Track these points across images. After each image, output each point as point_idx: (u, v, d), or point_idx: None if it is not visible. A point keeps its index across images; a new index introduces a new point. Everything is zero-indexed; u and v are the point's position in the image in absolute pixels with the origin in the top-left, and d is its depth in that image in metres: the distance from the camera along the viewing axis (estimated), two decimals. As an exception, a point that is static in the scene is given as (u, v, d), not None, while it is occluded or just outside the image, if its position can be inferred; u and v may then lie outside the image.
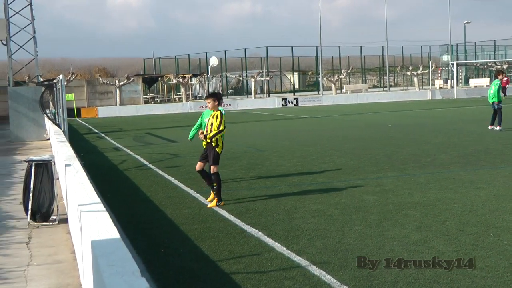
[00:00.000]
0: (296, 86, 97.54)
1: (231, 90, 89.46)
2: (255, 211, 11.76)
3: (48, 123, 28.51)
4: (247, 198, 13.05)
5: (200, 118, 13.81)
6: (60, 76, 23.59)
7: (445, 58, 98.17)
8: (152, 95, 79.43)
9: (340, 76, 79.36)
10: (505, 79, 58.19)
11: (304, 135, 27.64)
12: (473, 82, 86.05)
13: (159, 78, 78.57)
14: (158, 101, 75.83)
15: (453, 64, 73.70)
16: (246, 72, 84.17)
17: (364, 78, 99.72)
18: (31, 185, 11.34)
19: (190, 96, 72.03)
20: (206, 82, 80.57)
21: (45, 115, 30.19)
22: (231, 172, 16.74)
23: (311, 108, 57.63)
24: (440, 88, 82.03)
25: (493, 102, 26.50)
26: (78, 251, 8.06)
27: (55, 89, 27.55)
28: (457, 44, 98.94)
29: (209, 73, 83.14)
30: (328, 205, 11.98)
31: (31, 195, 11.27)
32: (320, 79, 77.89)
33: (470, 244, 8.88)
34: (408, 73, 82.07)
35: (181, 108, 59.63)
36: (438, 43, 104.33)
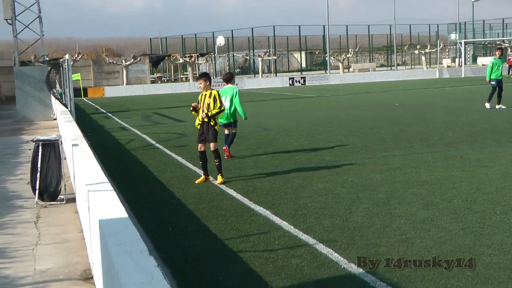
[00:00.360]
0: (303, 65, 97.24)
1: (238, 70, 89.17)
2: (262, 190, 11.77)
3: (54, 102, 28.53)
4: (254, 177, 13.07)
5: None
6: (66, 56, 23.58)
7: (453, 36, 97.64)
8: (159, 74, 79.34)
9: (347, 55, 79.09)
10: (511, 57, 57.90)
11: (311, 114, 27.61)
12: (481, 60, 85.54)
13: (166, 58, 78.43)
14: (165, 80, 75.78)
15: (461, 43, 73.36)
16: (253, 51, 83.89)
17: (371, 57, 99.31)
18: (39, 165, 11.37)
19: (197, 75, 71.95)
20: (213, 62, 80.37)
21: (51, 94, 30.20)
22: (238, 151, 16.74)
23: (318, 87, 57.49)
24: (448, 66, 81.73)
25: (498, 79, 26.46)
26: (86, 230, 8.10)
27: (61, 68, 27.55)
28: (465, 22, 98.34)
29: (216, 53, 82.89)
30: (335, 184, 11.98)
31: (38, 174, 11.31)
32: (327, 58, 77.60)
33: (477, 222, 8.88)
34: (416, 51, 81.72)
35: (188, 88, 59.57)
36: (446, 22, 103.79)
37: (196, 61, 70.57)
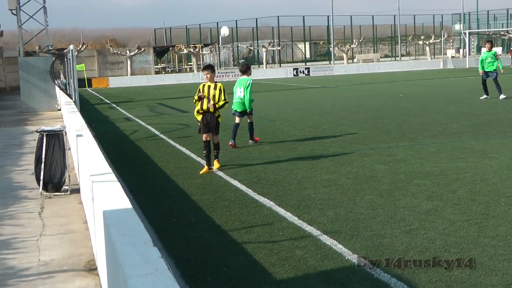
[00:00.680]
0: (308, 55, 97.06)
1: (242, 60, 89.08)
2: (266, 181, 11.78)
3: (59, 93, 28.54)
4: (258, 168, 13.07)
5: (234, 86, 16.22)
6: (71, 46, 23.57)
7: (457, 27, 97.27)
8: (163, 65, 79.29)
9: (351, 46, 78.94)
10: None
11: (315, 105, 27.59)
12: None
13: (170, 48, 78.37)
14: (169, 71, 75.72)
15: (465, 33, 73.14)
16: (258, 42, 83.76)
17: (375, 48, 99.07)
18: (43, 156, 11.38)
19: (201, 66, 71.82)
20: (217, 52, 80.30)
21: (56, 84, 30.21)
22: (242, 142, 16.74)
23: (322, 78, 57.43)
24: (452, 57, 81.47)
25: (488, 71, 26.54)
26: (90, 221, 8.11)
27: (65, 59, 27.54)
28: (469, 13, 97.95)
29: (220, 43, 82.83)
30: (339, 175, 11.98)
31: (42, 165, 11.32)
32: (331, 49, 77.45)
33: (481, 213, 8.88)
34: (420, 42, 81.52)
35: (192, 78, 59.53)
36: (451, 12, 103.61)
37: (200, 52, 70.53)
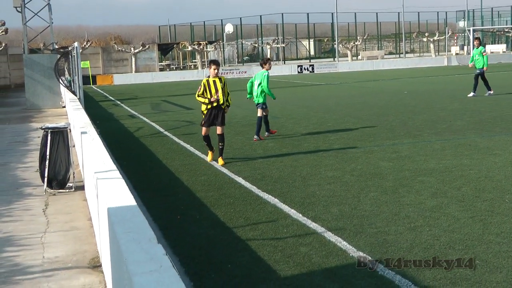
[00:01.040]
0: (312, 53, 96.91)
1: (246, 57, 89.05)
2: (271, 178, 11.78)
3: (63, 90, 28.56)
4: (263, 165, 13.07)
5: (252, 80, 17.00)
6: (76, 44, 23.59)
7: (461, 24, 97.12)
8: (167, 62, 79.26)
9: (356, 43, 78.89)
10: None
11: (319, 102, 27.57)
12: (489, 48, 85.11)
13: (175, 46, 78.36)
14: (174, 68, 75.69)
15: (469, 30, 72.94)
16: (262, 39, 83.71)
17: (380, 45, 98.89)
18: (47, 153, 11.38)
19: (206, 63, 71.84)
20: (222, 49, 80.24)
21: (60, 82, 30.23)
22: (247, 139, 16.76)
23: (326, 75, 57.38)
24: (456, 54, 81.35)
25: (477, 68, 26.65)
26: (94, 218, 8.12)
27: (70, 56, 27.57)
28: (473, 10, 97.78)
29: (225, 40, 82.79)
30: (343, 172, 11.98)
31: (47, 162, 11.33)
32: (336, 46, 77.38)
33: (485, 210, 8.86)
34: (424, 39, 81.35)
35: (197, 75, 59.48)
36: (455, 9, 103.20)
37: (205, 49, 70.49)
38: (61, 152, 11.52)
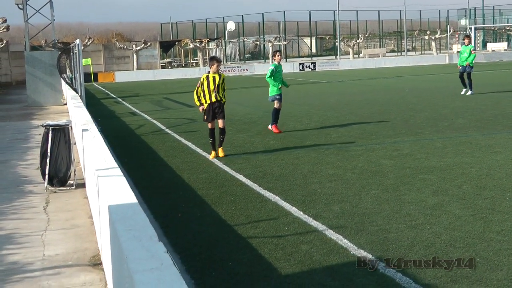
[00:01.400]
0: (314, 50, 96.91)
1: (248, 55, 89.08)
2: (272, 175, 11.78)
3: (65, 87, 28.55)
4: (264, 163, 13.07)
5: (272, 72, 17.26)
6: (77, 41, 23.58)
7: (463, 22, 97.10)
8: (169, 59, 79.28)
9: (357, 41, 78.87)
10: None
11: (321, 99, 27.56)
12: (490, 46, 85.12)
13: (176, 43, 78.35)
14: (175, 65, 75.70)
15: (471, 28, 72.96)
16: (264, 36, 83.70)
17: (381, 43, 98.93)
18: (48, 150, 11.38)
19: (207, 60, 71.88)
20: (223, 47, 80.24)
21: (62, 79, 30.24)
22: (248, 137, 16.75)
23: (328, 72, 57.36)
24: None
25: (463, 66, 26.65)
26: (95, 215, 8.11)
27: (72, 53, 27.56)
28: (475, 8, 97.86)
29: (226, 38, 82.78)
30: (345, 170, 11.97)
31: (48, 160, 11.32)
32: (337, 44, 77.35)
33: (486, 208, 8.86)
34: (426, 37, 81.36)
35: (198, 73, 59.44)
36: (456, 7, 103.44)
37: (207, 46, 70.48)
38: (62, 149, 11.52)
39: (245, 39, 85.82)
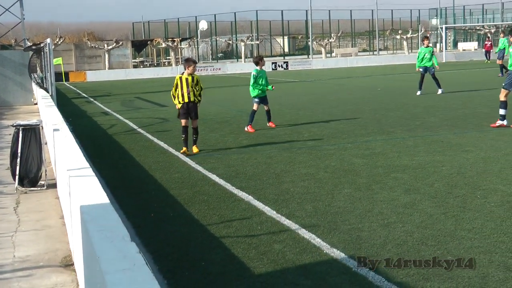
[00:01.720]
0: (286, 50, 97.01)
1: (221, 54, 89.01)
2: (245, 175, 11.77)
3: (35, 87, 28.31)
4: (236, 162, 13.06)
5: (252, 78, 17.67)
6: (48, 40, 23.38)
7: (434, 22, 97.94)
8: (141, 59, 78.92)
9: (330, 40, 79.04)
10: (488, 43, 58.51)
11: (293, 99, 27.60)
12: (461, 45, 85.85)
13: (148, 42, 78.05)
14: (148, 65, 75.40)
15: (442, 28, 73.55)
16: (236, 36, 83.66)
17: (353, 42, 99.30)
18: (19, 150, 11.28)
19: (180, 60, 71.66)
20: (196, 46, 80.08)
21: (32, 79, 29.97)
22: (220, 136, 16.74)
23: (301, 72, 57.47)
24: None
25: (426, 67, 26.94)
26: (67, 216, 8.05)
27: (42, 53, 27.33)
28: (446, 8, 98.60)
29: (199, 37, 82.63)
30: (317, 169, 12.00)
31: (18, 160, 11.22)
32: (310, 43, 77.54)
33: (457, 206, 8.93)
34: (398, 36, 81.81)
35: (171, 72, 59.21)
36: (428, 7, 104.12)
37: (179, 46, 70.29)
38: (33, 149, 11.42)
39: (217, 39, 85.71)
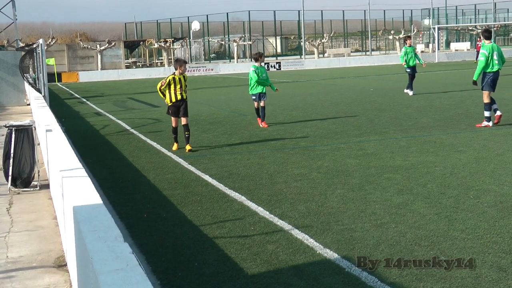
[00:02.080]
0: (279, 50, 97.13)
1: (213, 55, 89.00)
2: (238, 175, 11.77)
3: (28, 88, 28.25)
4: (229, 163, 13.06)
5: (254, 73, 18.33)
6: (40, 40, 23.34)
7: (426, 22, 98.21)
8: (133, 59, 78.83)
9: (322, 40, 79.15)
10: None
11: (286, 99, 27.60)
12: (454, 46, 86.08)
13: (141, 43, 77.96)
14: (140, 65, 75.32)
15: (434, 28, 73.69)
16: (229, 36, 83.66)
17: (346, 42, 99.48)
18: (12, 151, 11.25)
19: (172, 60, 71.61)
20: (188, 47, 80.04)
21: (25, 80, 29.90)
22: (214, 137, 16.73)
23: (293, 72, 57.50)
24: (422, 52, 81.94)
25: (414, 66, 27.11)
26: (60, 217, 8.04)
27: (35, 53, 27.27)
28: (438, 8, 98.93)
29: (191, 38, 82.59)
30: (310, 169, 12.01)
31: (11, 160, 11.19)
32: (302, 43, 77.61)
33: (450, 207, 8.95)
34: (390, 37, 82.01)
35: (163, 73, 59.16)
36: (420, 7, 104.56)
37: (171, 46, 70.23)
38: (26, 150, 11.39)
39: (210, 39, 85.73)
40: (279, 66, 63.54)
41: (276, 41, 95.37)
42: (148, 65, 76.10)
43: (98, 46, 64.39)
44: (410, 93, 26.68)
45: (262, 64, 18.57)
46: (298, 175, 11.56)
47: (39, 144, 13.32)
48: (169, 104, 14.71)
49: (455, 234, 7.71)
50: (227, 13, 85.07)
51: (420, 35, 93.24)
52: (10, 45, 44.04)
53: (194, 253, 7.48)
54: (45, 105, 17.47)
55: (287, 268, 6.86)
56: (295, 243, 7.65)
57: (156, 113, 23.84)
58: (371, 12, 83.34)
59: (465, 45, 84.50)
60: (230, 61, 76.02)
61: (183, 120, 14.71)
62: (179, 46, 75.11)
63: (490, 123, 16.46)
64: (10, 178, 11.23)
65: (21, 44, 38.77)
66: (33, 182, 11.48)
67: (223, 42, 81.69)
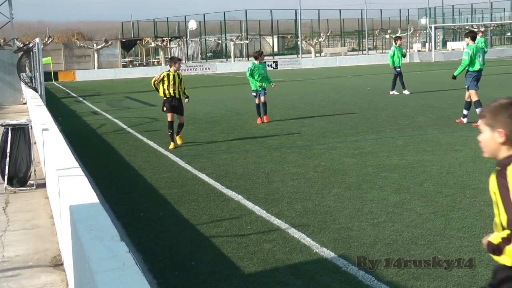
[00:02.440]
0: (275, 49, 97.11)
1: (210, 54, 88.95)
2: (234, 174, 11.76)
3: (24, 86, 28.22)
4: (226, 162, 13.05)
5: (251, 70, 18.94)
6: (37, 39, 23.30)
7: (423, 21, 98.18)
8: (130, 58, 78.79)
9: (319, 40, 79.19)
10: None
11: (283, 98, 27.59)
12: (450, 45, 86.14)
13: (138, 42, 77.92)
14: (137, 64, 75.28)
15: (431, 27, 73.75)
16: (225, 35, 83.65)
17: (343, 42, 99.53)
18: (8, 150, 11.24)
19: (172, 58, 71.64)
20: (185, 46, 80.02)
21: (21, 79, 29.88)
22: (210, 136, 16.72)
23: (290, 71, 57.50)
24: (418, 51, 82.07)
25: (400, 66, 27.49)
26: (56, 216, 8.03)
27: (31, 52, 27.24)
28: (435, 7, 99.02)
29: (188, 37, 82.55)
30: (307, 168, 12.01)
31: (7, 159, 11.18)
32: (299, 43, 77.59)
33: (447, 206, 8.95)
34: (387, 36, 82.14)
35: (160, 72, 58.85)
36: (417, 7, 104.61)
37: (168, 45, 70.21)
38: (22, 149, 11.38)
39: (207, 38, 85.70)
40: (276, 65, 63.52)
41: (273, 40, 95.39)
42: (145, 64, 76.08)
43: (94, 45, 64.34)
44: (406, 92, 26.70)
45: (263, 62, 19.04)
46: (294, 174, 11.56)
47: (35, 143, 13.30)
48: (164, 98, 15.05)
49: (451, 233, 7.71)
50: (224, 12, 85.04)
51: (417, 34, 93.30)
52: (7, 44, 43.94)
53: (191, 252, 7.47)
54: (41, 104, 17.44)
55: (284, 267, 6.86)
56: (291, 242, 7.65)
57: (152, 112, 23.82)
58: (368, 11, 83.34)
59: (461, 44, 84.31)
60: (227, 60, 75.99)
61: (179, 119, 15.18)
62: (176, 45, 75.06)
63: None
64: (6, 177, 11.22)
65: (18, 43, 38.70)
66: (29, 181, 11.47)
67: (220, 41, 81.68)
